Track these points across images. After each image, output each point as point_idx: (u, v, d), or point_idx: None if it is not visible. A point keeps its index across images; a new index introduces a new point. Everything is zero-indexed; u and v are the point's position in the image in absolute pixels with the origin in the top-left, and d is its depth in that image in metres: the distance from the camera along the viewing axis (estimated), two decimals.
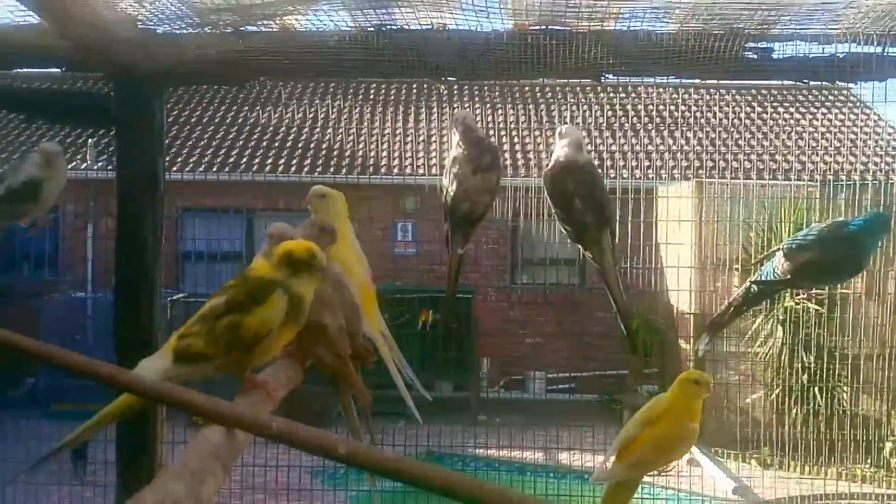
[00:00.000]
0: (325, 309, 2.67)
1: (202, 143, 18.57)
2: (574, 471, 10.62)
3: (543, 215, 13.52)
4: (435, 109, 19.54)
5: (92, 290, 16.11)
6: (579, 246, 3.90)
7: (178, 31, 3.73)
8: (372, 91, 20.64)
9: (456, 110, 4.17)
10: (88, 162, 15.75)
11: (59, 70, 4.24)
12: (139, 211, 3.98)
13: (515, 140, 18.48)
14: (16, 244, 15.60)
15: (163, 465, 4.03)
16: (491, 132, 18.41)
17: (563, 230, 3.90)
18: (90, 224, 16.07)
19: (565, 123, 3.95)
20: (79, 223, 16.50)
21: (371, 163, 17.83)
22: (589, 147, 17.89)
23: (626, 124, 18.97)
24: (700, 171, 16.18)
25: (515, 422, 10.51)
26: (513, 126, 19.01)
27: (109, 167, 15.19)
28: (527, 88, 20.46)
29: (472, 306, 15.07)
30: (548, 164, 3.92)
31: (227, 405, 1.98)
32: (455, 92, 20.07)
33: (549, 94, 20.42)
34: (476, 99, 20.06)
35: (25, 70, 4.21)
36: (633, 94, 20.03)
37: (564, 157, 3.81)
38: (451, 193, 3.77)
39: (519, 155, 17.88)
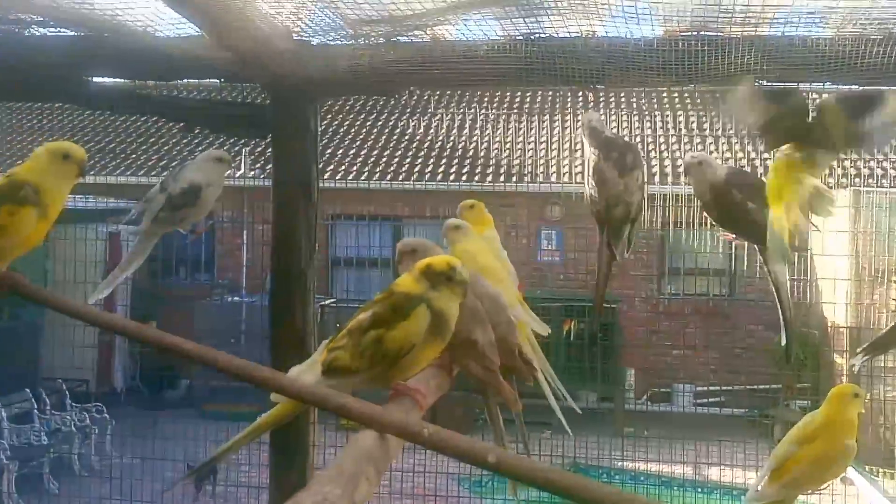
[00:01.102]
0: (476, 325, 2.67)
1: (351, 151, 18.94)
2: (723, 487, 10.39)
3: (693, 224, 13.30)
4: (581, 115, 19.40)
5: (246, 295, 16.60)
6: (757, 247, 3.76)
7: (331, 43, 3.81)
8: (517, 99, 20.67)
9: (582, 114, 4.14)
10: (243, 170, 16.25)
11: (217, 80, 4.39)
12: (294, 218, 4.08)
13: (664, 148, 18.22)
14: (174, 249, 16.21)
15: (314, 468, 4.11)
16: (639, 140, 18.20)
17: (735, 237, 3.78)
18: (244, 230, 16.56)
19: (698, 154, 3.79)
20: (234, 229, 17.02)
21: (515, 171, 17.86)
22: (740, 155, 17.55)
23: None
24: (856, 180, 15.67)
25: (662, 434, 10.32)
26: (661, 134, 18.75)
27: (264, 175, 15.65)
28: (676, 95, 20.16)
29: (618, 316, 14.92)
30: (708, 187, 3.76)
31: (379, 411, 2.01)
32: (602, 99, 19.91)
33: (699, 100, 20.06)
34: (623, 106, 19.86)
35: (184, 80, 4.35)
36: None
37: (722, 174, 3.70)
38: (603, 201, 3.71)
39: (667, 163, 17.61)
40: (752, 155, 17.63)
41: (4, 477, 10.54)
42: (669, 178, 16.82)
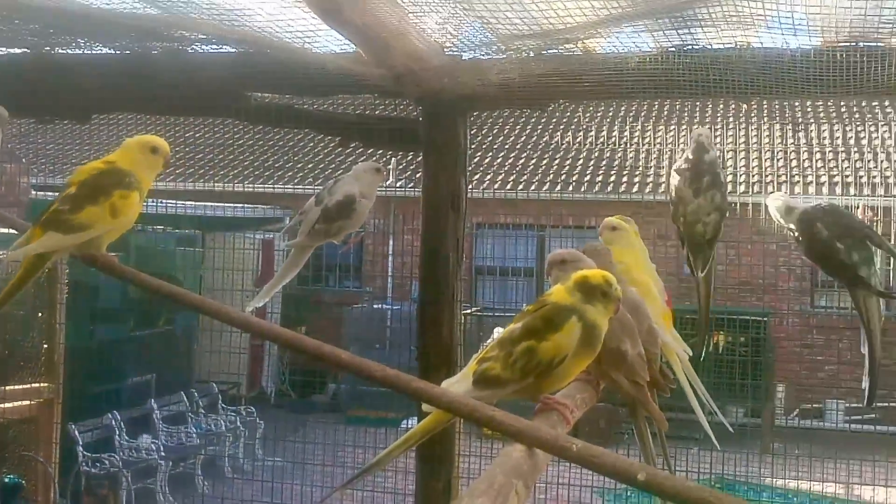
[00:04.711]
0: (625, 336, 2.66)
1: (497, 161, 19.03)
2: None
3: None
4: (733, 127, 19.07)
5: (391, 302, 16.83)
6: (850, 287, 3.73)
7: (482, 58, 3.85)
8: (665, 109, 20.42)
9: (695, 129, 4.12)
10: (391, 180, 16.50)
11: (371, 95, 4.49)
12: (442, 230, 4.13)
13: (819, 159, 17.73)
14: (323, 257, 16.58)
15: (459, 476, 4.15)
16: (794, 152, 17.78)
17: (829, 277, 3.75)
18: (391, 239, 16.81)
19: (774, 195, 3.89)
20: (380, 238, 17.31)
21: (662, 180, 17.64)
22: None
23: None
24: None
25: (812, 452, 10.01)
26: (816, 145, 18.26)
27: (410, 185, 15.88)
28: (832, 106, 19.61)
29: (767, 330, 14.57)
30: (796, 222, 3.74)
31: (528, 424, 2.03)
32: (754, 110, 19.50)
33: (857, 112, 19.46)
34: (777, 117, 19.42)
35: (339, 96, 4.45)
36: None
37: (803, 208, 3.68)
38: (681, 218, 3.73)
39: (822, 172, 17.14)
40: None
41: (158, 476, 10.95)
42: (825, 190, 16.38)
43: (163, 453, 11.08)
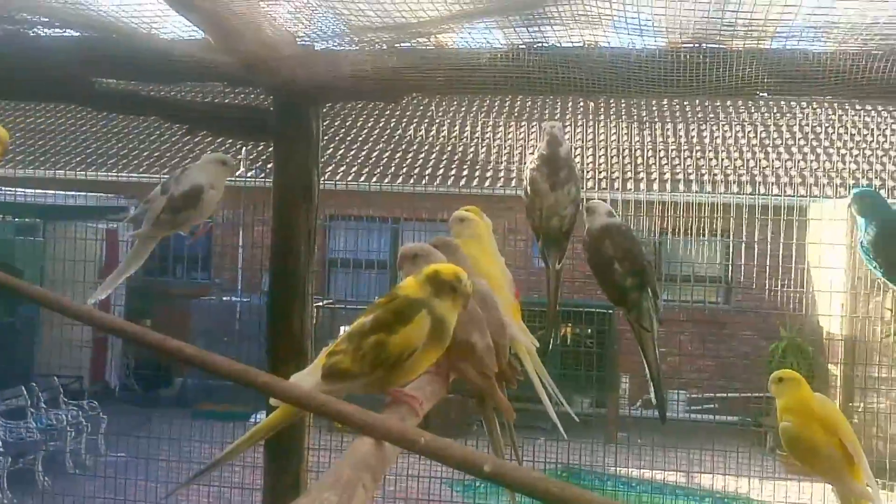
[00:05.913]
0: (474, 328, 2.68)
1: (351, 153, 18.98)
2: (715, 494, 10.39)
3: (692, 232, 13.31)
4: (581, 124, 19.49)
5: (241, 295, 16.59)
6: (620, 309, 3.91)
7: (335, 49, 3.83)
8: (517, 105, 20.73)
9: (546, 122, 4.27)
10: (241, 170, 16.25)
11: (220, 84, 4.40)
12: (294, 222, 4.09)
13: (663, 156, 18.29)
14: (170, 248, 16.21)
15: (308, 470, 4.12)
16: (639, 149, 18.27)
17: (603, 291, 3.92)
18: (241, 230, 16.57)
19: (593, 200, 4.05)
20: (230, 229, 17.04)
21: (514, 175, 17.90)
22: (739, 165, 17.59)
23: (781, 144, 18.54)
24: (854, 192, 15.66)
25: (655, 441, 10.35)
26: (661, 143, 18.82)
27: (262, 175, 15.68)
28: (676, 105, 20.25)
29: (613, 322, 14.91)
30: (585, 231, 3.89)
31: (377, 418, 2.03)
32: (602, 109, 19.98)
33: (700, 112, 20.15)
34: (624, 116, 19.94)
35: (188, 83, 4.35)
36: (789, 114, 19.56)
37: (601, 222, 3.81)
38: (536, 212, 3.81)
39: (666, 170, 17.68)
40: (752, 165, 17.68)
41: None
42: (668, 186, 16.88)
43: (1, 449, 10.69)
